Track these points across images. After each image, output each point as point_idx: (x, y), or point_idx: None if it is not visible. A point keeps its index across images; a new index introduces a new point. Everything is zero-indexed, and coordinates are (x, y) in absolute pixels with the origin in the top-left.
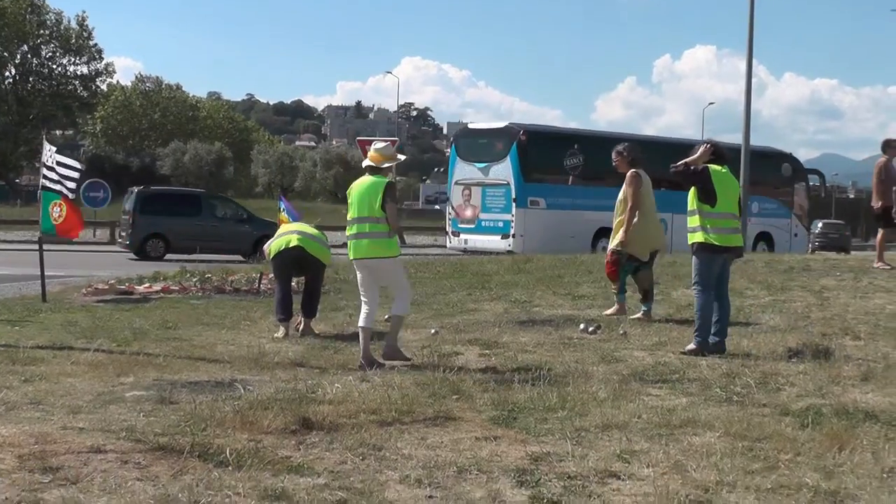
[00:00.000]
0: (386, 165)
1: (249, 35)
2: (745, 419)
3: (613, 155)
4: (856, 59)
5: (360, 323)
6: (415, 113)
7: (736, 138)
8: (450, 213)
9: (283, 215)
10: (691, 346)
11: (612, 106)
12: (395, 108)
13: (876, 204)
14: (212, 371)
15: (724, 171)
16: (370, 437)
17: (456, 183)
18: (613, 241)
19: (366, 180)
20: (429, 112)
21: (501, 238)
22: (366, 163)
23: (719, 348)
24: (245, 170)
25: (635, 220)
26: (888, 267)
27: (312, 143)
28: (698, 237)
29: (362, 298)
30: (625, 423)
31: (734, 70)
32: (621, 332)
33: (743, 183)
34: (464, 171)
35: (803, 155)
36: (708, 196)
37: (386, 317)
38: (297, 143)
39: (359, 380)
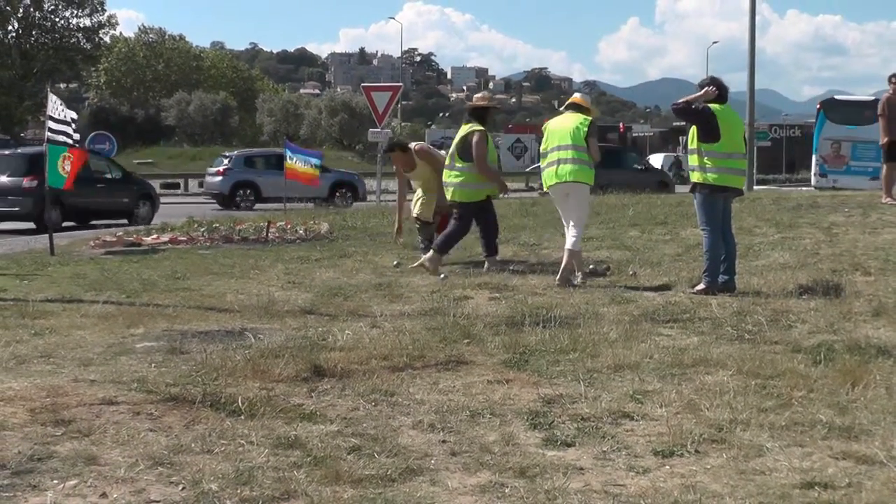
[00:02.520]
0: (587, 107)
1: None
2: (757, 357)
3: None
4: None
5: (567, 246)
6: (418, 58)
7: (741, 77)
8: (818, 161)
9: (290, 163)
10: (701, 286)
11: (615, 47)
12: (399, 54)
13: (882, 140)
14: (222, 320)
15: (727, 109)
16: (382, 383)
17: (825, 139)
18: None
19: (569, 116)
20: (432, 57)
21: (871, 180)
22: (569, 102)
23: (729, 286)
24: (250, 119)
25: None
26: None
27: (317, 91)
28: (696, 177)
29: (564, 223)
30: (636, 364)
31: (737, 8)
32: (631, 272)
33: (748, 122)
34: (832, 129)
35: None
36: (710, 134)
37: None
38: (302, 90)
39: (369, 326)
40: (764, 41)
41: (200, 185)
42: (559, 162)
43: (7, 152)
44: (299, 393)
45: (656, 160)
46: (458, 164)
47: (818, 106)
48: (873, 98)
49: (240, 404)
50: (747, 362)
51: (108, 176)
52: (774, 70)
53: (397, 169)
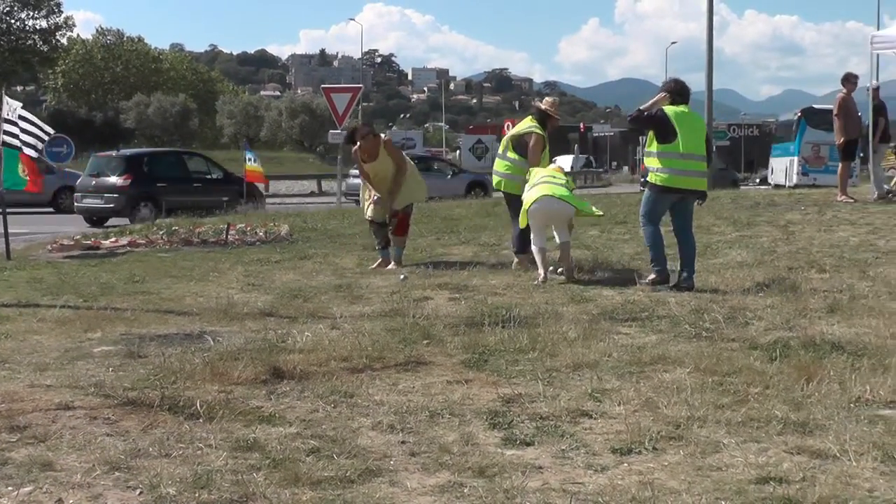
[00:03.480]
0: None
1: None
2: (714, 354)
3: None
4: None
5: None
6: (379, 59)
7: (699, 77)
8: (800, 162)
9: (250, 164)
10: (651, 276)
11: (575, 47)
12: (360, 56)
13: (838, 139)
14: (181, 323)
15: (685, 110)
16: (341, 385)
17: (806, 142)
18: None
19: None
20: (393, 58)
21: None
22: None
23: (688, 284)
24: (210, 121)
25: None
26: (851, 200)
27: (277, 93)
28: (651, 177)
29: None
30: (595, 362)
31: (696, 9)
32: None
33: (707, 122)
34: (812, 134)
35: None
36: (666, 136)
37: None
38: (262, 92)
39: (329, 327)
40: (722, 41)
41: None
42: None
43: (106, 154)
44: (258, 395)
45: (564, 161)
46: (511, 156)
47: (798, 114)
48: None
49: (198, 407)
50: (705, 360)
51: (208, 175)
52: (733, 70)
53: (358, 162)
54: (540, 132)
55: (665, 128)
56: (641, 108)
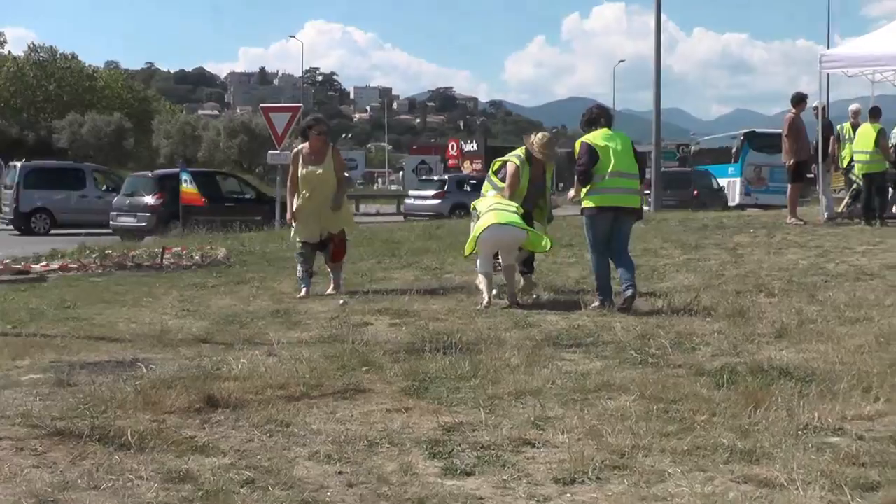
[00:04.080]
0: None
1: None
2: (660, 381)
3: None
4: (764, 12)
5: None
6: (320, 78)
7: (648, 96)
8: (743, 182)
9: (185, 186)
10: (596, 303)
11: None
12: (300, 74)
13: (787, 160)
14: (112, 351)
15: (607, 132)
16: (278, 414)
17: (748, 164)
18: None
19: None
20: (335, 77)
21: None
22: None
23: (629, 303)
24: (146, 141)
25: None
26: (800, 222)
27: (216, 112)
28: (584, 202)
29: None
30: (538, 390)
31: (644, 26)
32: (534, 296)
33: (654, 140)
34: (755, 156)
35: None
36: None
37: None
38: (200, 111)
39: (266, 354)
40: (671, 59)
41: None
42: None
43: (141, 174)
44: (192, 425)
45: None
46: (493, 180)
47: (742, 137)
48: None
49: (129, 438)
50: (650, 386)
51: (241, 196)
52: (682, 88)
53: (296, 165)
54: (517, 163)
55: (590, 158)
56: (580, 170)
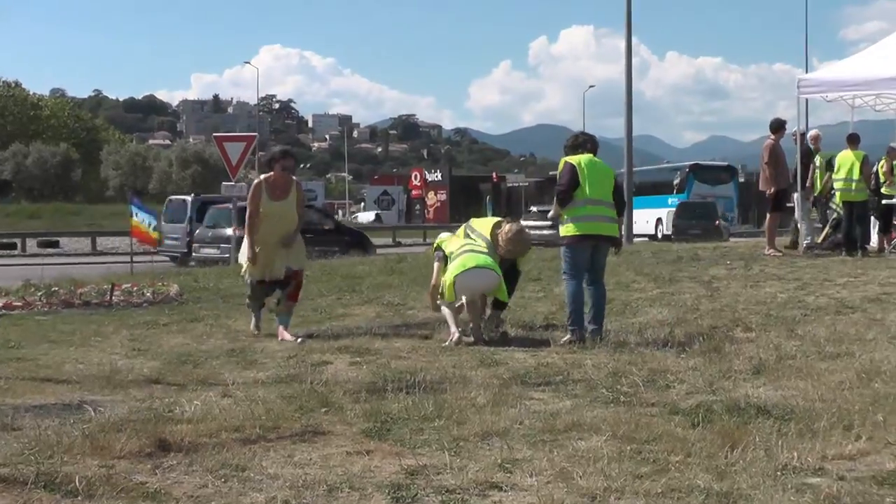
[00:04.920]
0: None
1: (95, 26)
2: (632, 420)
3: None
4: (739, 35)
5: None
6: (277, 105)
7: (619, 122)
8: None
9: (136, 220)
10: (567, 337)
11: (486, 91)
12: (256, 101)
13: (768, 188)
14: (59, 392)
15: (591, 158)
16: (233, 457)
17: (694, 194)
18: None
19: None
20: (292, 104)
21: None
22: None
23: (597, 336)
24: (94, 172)
25: None
26: (779, 253)
27: (167, 141)
28: (563, 230)
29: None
30: (506, 430)
31: (614, 50)
32: (500, 331)
33: (626, 168)
34: (700, 188)
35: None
36: (573, 182)
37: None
38: (151, 141)
39: (220, 395)
40: (643, 84)
41: (39, 244)
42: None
43: (223, 206)
44: (142, 470)
45: (365, 217)
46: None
47: (687, 169)
48: (727, 164)
49: (77, 484)
50: (622, 426)
51: (321, 227)
52: (655, 114)
53: (257, 201)
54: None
55: (577, 178)
56: (561, 189)
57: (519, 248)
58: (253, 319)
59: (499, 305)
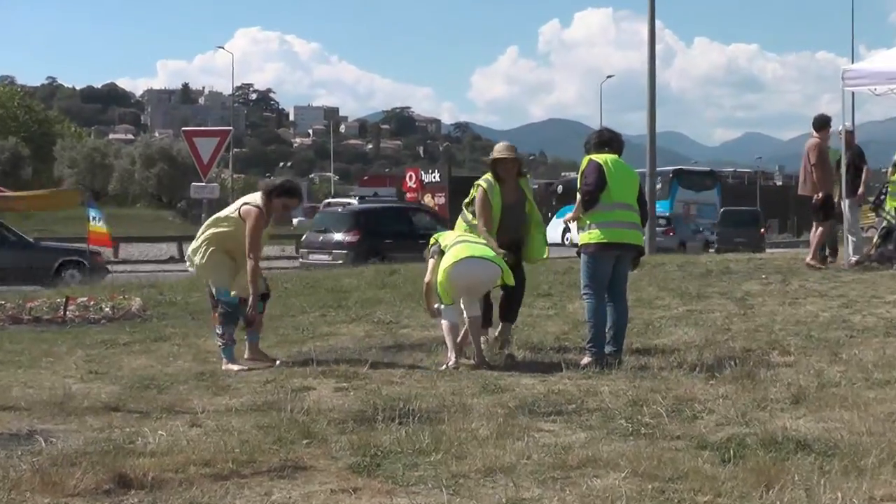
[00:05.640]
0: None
1: (48, 4)
2: (655, 455)
3: None
4: (777, 20)
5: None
6: (254, 96)
7: (640, 117)
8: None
9: (94, 224)
10: (586, 359)
11: (491, 82)
12: (231, 91)
13: (814, 193)
14: (5, 421)
15: (617, 159)
16: (202, 495)
17: (678, 201)
18: None
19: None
20: (271, 94)
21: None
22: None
23: (616, 359)
24: (47, 170)
25: None
26: (820, 266)
27: (130, 136)
28: (584, 237)
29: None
30: (511, 466)
31: (635, 36)
32: (506, 351)
33: (649, 169)
34: (684, 194)
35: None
36: (600, 183)
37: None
38: (112, 135)
39: (188, 425)
40: (668, 74)
41: None
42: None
43: (332, 209)
44: None
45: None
46: (467, 216)
47: (671, 175)
48: (710, 169)
49: None
50: (643, 462)
51: (432, 231)
52: (681, 109)
53: (259, 234)
54: (484, 186)
55: (604, 177)
56: (588, 189)
57: (515, 154)
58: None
59: (508, 317)
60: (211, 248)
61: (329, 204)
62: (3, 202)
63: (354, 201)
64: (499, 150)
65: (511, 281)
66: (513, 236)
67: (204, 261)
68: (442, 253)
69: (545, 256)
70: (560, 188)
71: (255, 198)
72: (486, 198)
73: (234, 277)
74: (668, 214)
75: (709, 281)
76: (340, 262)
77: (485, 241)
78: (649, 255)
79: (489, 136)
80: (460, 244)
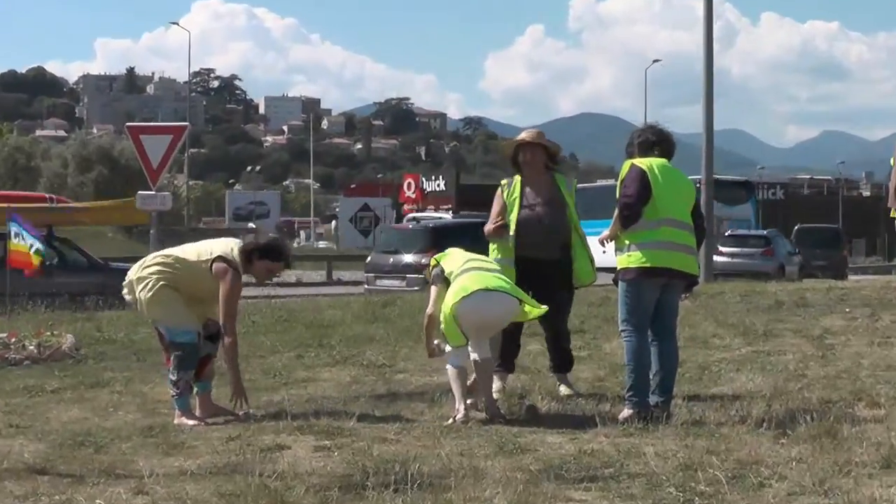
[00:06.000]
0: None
1: None
2: None
3: None
4: None
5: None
6: (216, 84)
7: (694, 112)
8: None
9: (15, 243)
10: (626, 411)
11: (508, 67)
12: (187, 78)
13: None
14: None
15: (666, 165)
16: None
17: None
18: None
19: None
20: (237, 82)
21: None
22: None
23: (663, 411)
24: None
25: None
26: None
27: (62, 133)
28: (622, 260)
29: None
30: None
31: (687, 12)
32: (527, 405)
33: (705, 178)
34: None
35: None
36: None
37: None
38: (39, 132)
39: (132, 492)
40: (729, 59)
41: None
42: None
43: (401, 225)
44: None
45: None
46: None
47: (697, 185)
48: (745, 179)
49: None
50: None
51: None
52: (745, 101)
53: (236, 292)
54: (501, 184)
55: (649, 187)
56: (628, 202)
57: (545, 140)
58: (184, 412)
59: (559, 366)
60: (161, 283)
61: (416, 219)
62: (64, 216)
63: (446, 215)
64: (523, 135)
65: (537, 311)
66: (540, 254)
67: (151, 294)
68: (447, 281)
69: (593, 280)
70: None
71: (228, 250)
72: (499, 197)
73: (191, 315)
74: (764, 232)
75: (779, 315)
76: (416, 287)
77: (498, 267)
78: (705, 282)
79: (507, 135)
80: (469, 273)
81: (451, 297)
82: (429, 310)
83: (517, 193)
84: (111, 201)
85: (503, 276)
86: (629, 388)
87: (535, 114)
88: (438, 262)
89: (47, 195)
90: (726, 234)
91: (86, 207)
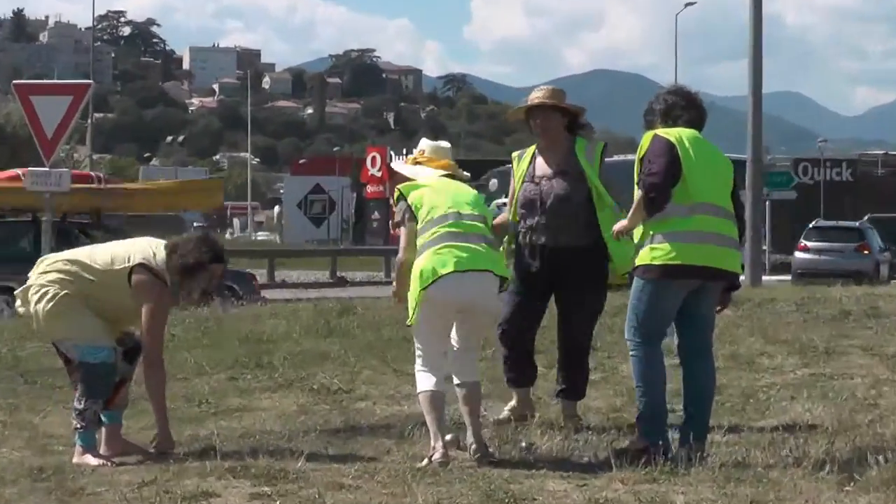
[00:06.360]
0: None
1: None
2: None
3: None
4: None
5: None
6: (127, 31)
7: (737, 68)
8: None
9: None
10: (638, 445)
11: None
12: (91, 24)
13: None
14: None
15: (697, 136)
16: None
17: None
18: None
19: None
20: (154, 29)
21: None
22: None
23: (696, 450)
24: None
25: None
26: None
27: None
28: (644, 255)
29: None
30: None
31: None
32: (522, 444)
33: (750, 152)
34: None
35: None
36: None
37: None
38: None
39: None
40: (782, 2)
41: None
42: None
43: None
44: None
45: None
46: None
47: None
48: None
49: None
50: None
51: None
52: (801, 58)
53: (163, 309)
54: (516, 153)
55: (678, 164)
56: (624, 226)
57: (562, 100)
58: (88, 451)
59: (569, 392)
60: (63, 291)
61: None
62: (111, 199)
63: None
64: (533, 96)
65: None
66: (550, 241)
67: (50, 306)
68: (415, 218)
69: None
70: (494, 183)
71: (150, 254)
72: (512, 175)
73: (104, 328)
74: (856, 224)
75: (844, 328)
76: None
77: (483, 225)
78: (750, 286)
79: (498, 97)
80: (444, 246)
81: (420, 269)
82: (400, 256)
83: (525, 166)
84: (170, 181)
85: (487, 244)
86: (639, 417)
87: (536, 71)
88: (402, 194)
89: (93, 173)
90: (810, 225)
91: (141, 189)
